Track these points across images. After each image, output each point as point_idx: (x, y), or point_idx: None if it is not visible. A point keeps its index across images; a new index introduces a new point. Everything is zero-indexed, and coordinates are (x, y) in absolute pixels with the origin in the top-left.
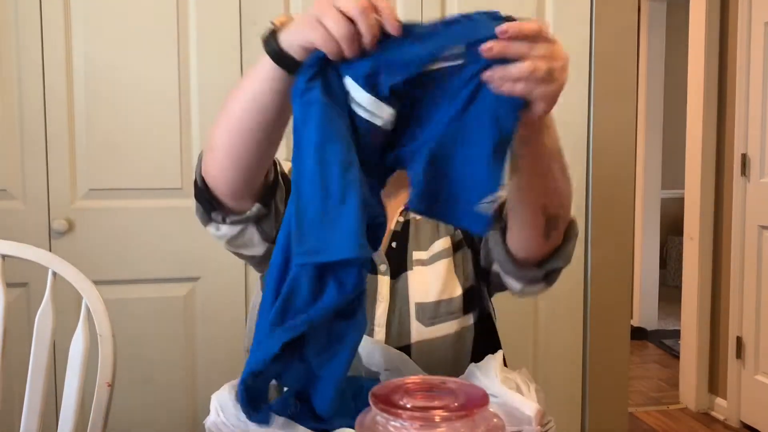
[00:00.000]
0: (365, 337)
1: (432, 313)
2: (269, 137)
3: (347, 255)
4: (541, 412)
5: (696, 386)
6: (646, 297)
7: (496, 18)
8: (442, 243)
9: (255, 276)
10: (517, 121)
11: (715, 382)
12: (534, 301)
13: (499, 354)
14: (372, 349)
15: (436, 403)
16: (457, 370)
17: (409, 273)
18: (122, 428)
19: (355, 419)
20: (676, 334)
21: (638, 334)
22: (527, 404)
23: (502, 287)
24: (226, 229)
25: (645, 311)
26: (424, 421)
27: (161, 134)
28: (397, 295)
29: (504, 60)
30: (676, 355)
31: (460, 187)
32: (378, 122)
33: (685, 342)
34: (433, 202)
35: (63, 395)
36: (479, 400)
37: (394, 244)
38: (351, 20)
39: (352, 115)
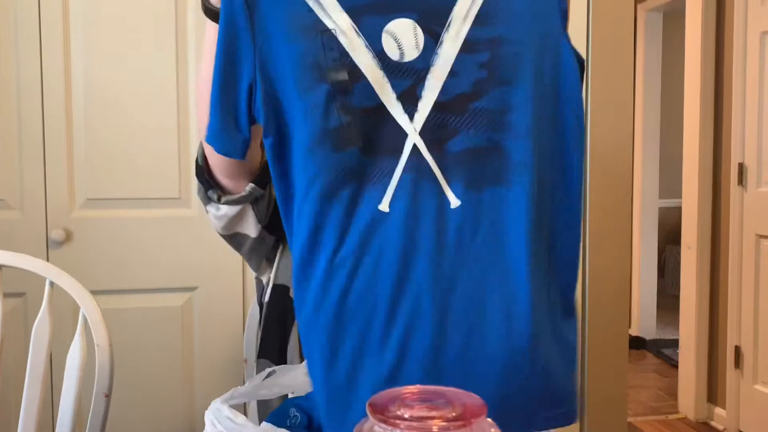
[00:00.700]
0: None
1: None
2: None
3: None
4: None
5: (695, 396)
6: (644, 306)
7: None
8: None
9: (253, 285)
10: None
11: (714, 392)
12: None
13: None
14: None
15: (433, 414)
16: None
17: None
18: None
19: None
20: (674, 344)
21: (637, 343)
22: None
23: None
24: (226, 209)
25: (643, 320)
26: (422, 431)
27: (159, 144)
28: None
29: None
30: (674, 365)
31: None
32: None
33: (684, 351)
34: None
35: (60, 405)
36: (477, 409)
37: None
38: None
39: None
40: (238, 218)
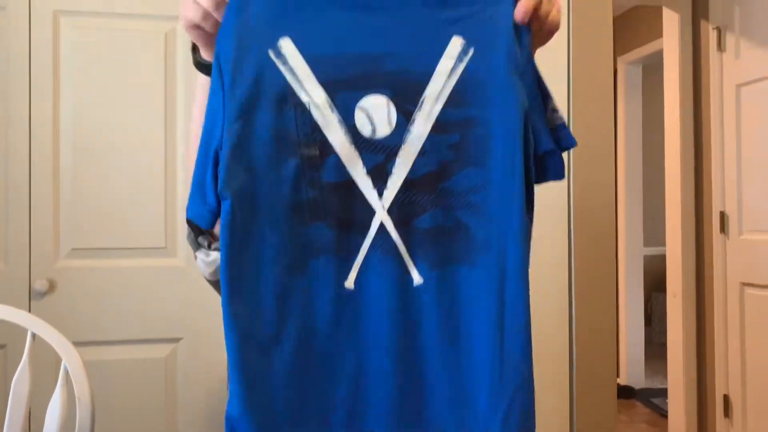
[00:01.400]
0: None
1: None
2: None
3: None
4: None
5: None
6: (632, 355)
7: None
8: None
9: None
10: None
11: None
12: None
13: None
14: None
15: None
16: None
17: None
18: None
19: None
20: (664, 393)
21: (626, 392)
22: None
23: None
24: (216, 255)
25: (632, 369)
26: None
27: (146, 194)
28: None
29: None
30: (664, 414)
31: None
32: None
33: (673, 401)
34: None
35: None
36: None
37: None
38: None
39: None
40: None
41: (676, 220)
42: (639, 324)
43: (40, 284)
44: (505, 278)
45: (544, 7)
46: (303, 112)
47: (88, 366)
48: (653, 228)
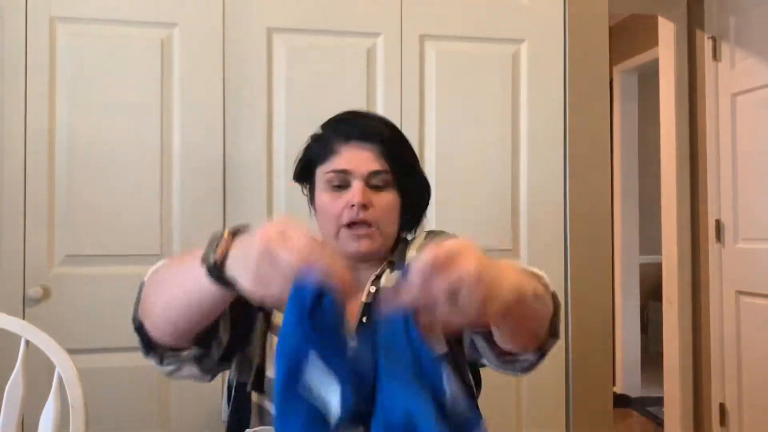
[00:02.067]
0: None
1: None
2: (208, 317)
3: None
4: None
5: None
6: (628, 363)
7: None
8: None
9: None
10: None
11: None
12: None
13: None
14: None
15: None
16: None
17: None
18: None
19: None
20: (660, 401)
21: (622, 401)
22: None
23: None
24: (166, 365)
25: (628, 378)
26: None
27: (141, 200)
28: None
29: None
30: (660, 423)
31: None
32: None
33: (669, 409)
34: None
35: None
36: None
37: (365, 319)
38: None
39: None
40: (179, 374)
41: (671, 229)
42: (635, 332)
43: (34, 291)
44: None
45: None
46: None
47: (82, 373)
48: (649, 236)
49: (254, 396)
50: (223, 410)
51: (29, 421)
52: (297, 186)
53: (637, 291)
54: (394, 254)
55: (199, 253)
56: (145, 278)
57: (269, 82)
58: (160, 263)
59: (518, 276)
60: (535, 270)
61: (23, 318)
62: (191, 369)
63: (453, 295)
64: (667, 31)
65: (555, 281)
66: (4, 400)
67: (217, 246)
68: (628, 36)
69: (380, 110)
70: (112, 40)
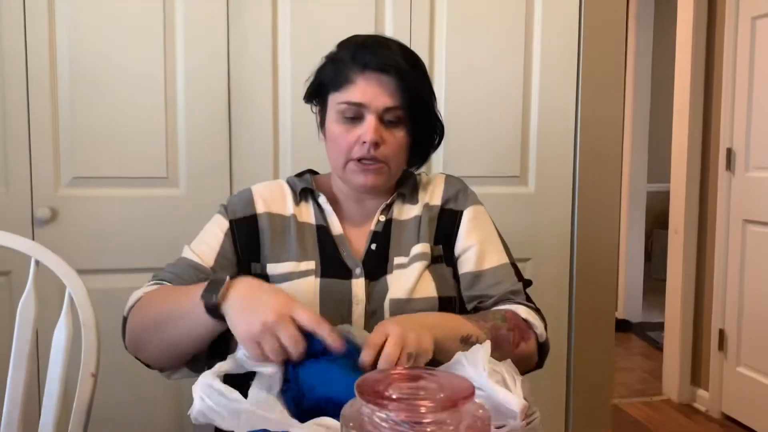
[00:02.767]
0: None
1: (405, 309)
2: (206, 344)
3: None
4: (526, 407)
5: (679, 378)
6: (630, 290)
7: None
8: (421, 247)
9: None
10: None
11: (697, 374)
12: None
13: (487, 344)
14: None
15: (421, 395)
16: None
17: (389, 276)
18: (106, 418)
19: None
20: (660, 327)
21: (623, 326)
22: (513, 399)
23: None
24: (165, 374)
25: (630, 304)
26: (410, 412)
27: (146, 123)
28: (375, 297)
29: None
30: (659, 348)
31: None
32: None
33: (669, 334)
34: None
35: (46, 385)
36: (465, 392)
37: (373, 246)
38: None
39: None
40: (176, 373)
41: (681, 156)
42: (639, 259)
43: (42, 212)
44: None
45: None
46: None
47: (92, 293)
48: (657, 164)
49: None
50: None
51: (42, 339)
52: (302, 108)
53: (642, 218)
54: (404, 186)
55: (182, 293)
56: (126, 313)
57: (274, 2)
58: (135, 298)
59: (455, 321)
60: (532, 320)
61: (32, 239)
62: (184, 371)
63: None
64: None
65: (562, 208)
66: (17, 318)
67: (218, 289)
68: None
69: (389, 31)
70: None
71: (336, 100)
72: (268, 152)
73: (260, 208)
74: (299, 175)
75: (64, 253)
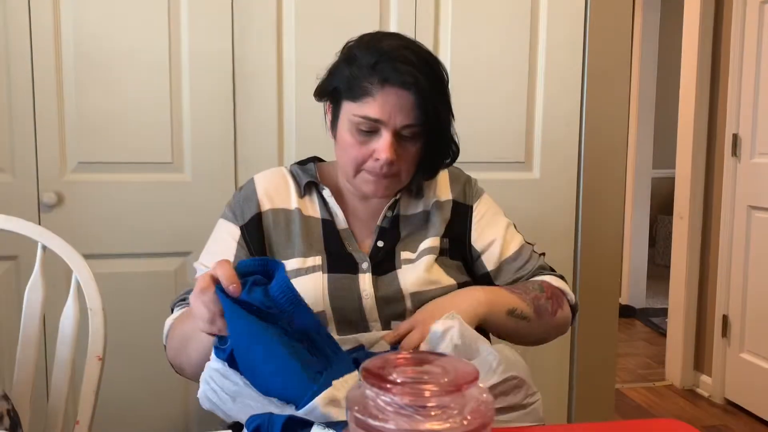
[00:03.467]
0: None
1: (425, 300)
2: None
3: None
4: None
5: (682, 364)
6: (634, 275)
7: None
8: (431, 242)
9: None
10: None
11: (700, 360)
12: None
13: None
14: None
15: (426, 379)
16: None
17: (398, 271)
18: (113, 401)
19: None
20: (663, 313)
21: (626, 312)
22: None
23: None
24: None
25: (633, 289)
26: (414, 396)
27: (151, 108)
28: (388, 290)
29: None
30: (663, 333)
31: None
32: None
33: (672, 320)
34: None
35: (53, 368)
36: (469, 376)
37: (380, 243)
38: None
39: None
40: None
41: (687, 142)
42: (643, 245)
43: (48, 197)
44: None
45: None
46: None
47: (98, 278)
48: (662, 150)
49: None
50: None
51: (49, 323)
52: (307, 93)
53: (647, 204)
54: (411, 182)
55: (190, 320)
56: (164, 341)
57: None
58: (167, 327)
59: (501, 294)
60: (557, 284)
61: (39, 223)
62: None
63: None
64: None
65: (567, 194)
66: (25, 303)
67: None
68: None
69: (393, 14)
70: None
71: (351, 111)
72: (272, 137)
73: (265, 206)
74: (303, 163)
75: (71, 238)
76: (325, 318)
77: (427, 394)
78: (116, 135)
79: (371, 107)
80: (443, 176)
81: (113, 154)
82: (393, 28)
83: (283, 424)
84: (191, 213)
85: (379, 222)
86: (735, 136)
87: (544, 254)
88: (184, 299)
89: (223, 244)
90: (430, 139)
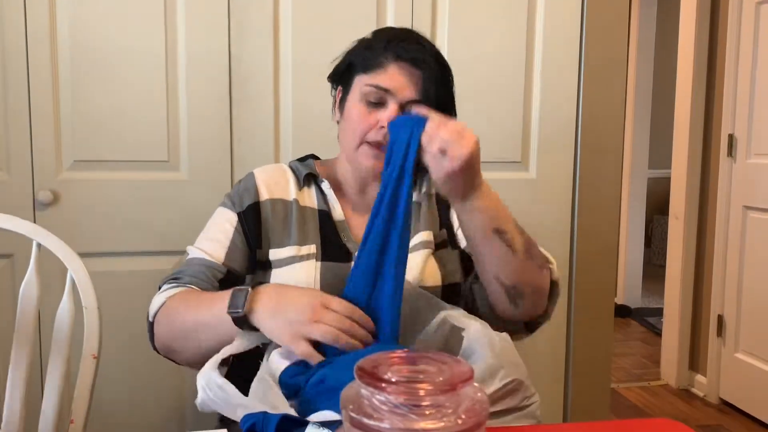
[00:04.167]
0: None
1: (412, 294)
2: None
3: None
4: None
5: (677, 363)
6: (630, 275)
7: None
8: (424, 235)
9: None
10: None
11: (695, 360)
12: None
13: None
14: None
15: (421, 378)
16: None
17: None
18: (108, 400)
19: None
20: (659, 312)
21: (622, 311)
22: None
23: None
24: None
25: (629, 289)
26: (409, 395)
27: (147, 106)
28: None
29: None
30: (658, 333)
31: None
32: None
33: (668, 320)
34: None
35: (48, 367)
36: (464, 375)
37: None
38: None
39: None
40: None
41: (683, 142)
42: (639, 245)
43: (43, 195)
44: None
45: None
46: None
47: (94, 276)
48: (658, 150)
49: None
50: None
51: (45, 321)
52: (303, 91)
53: (643, 204)
54: None
55: (206, 305)
56: (151, 318)
57: None
58: (158, 303)
59: (505, 210)
60: (546, 253)
61: (34, 221)
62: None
63: (445, 147)
64: None
65: (563, 193)
66: (20, 300)
67: (243, 302)
68: None
69: (390, 13)
70: None
71: (363, 81)
72: (269, 135)
73: (263, 195)
74: (301, 159)
75: (66, 236)
76: None
77: (421, 393)
78: (112, 133)
79: (383, 77)
80: None
81: (109, 152)
82: None
83: (278, 423)
84: (187, 211)
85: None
86: (731, 137)
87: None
88: (177, 278)
89: (218, 230)
90: None
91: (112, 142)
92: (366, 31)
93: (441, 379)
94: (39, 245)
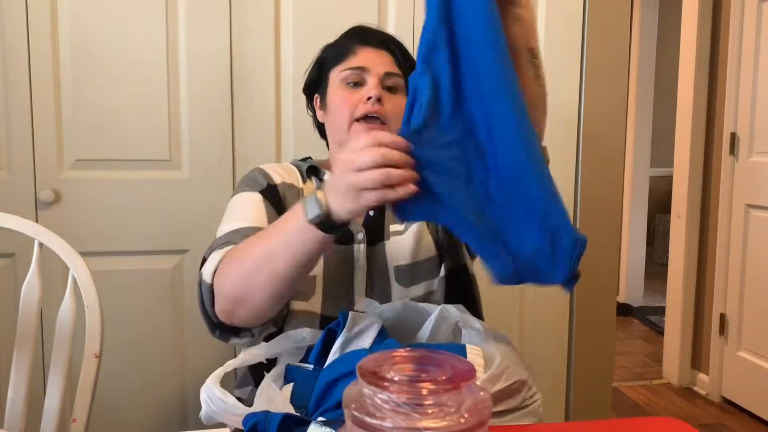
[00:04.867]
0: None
1: (410, 274)
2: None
3: None
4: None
5: (679, 362)
6: (632, 274)
7: None
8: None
9: None
10: None
11: (697, 358)
12: None
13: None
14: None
15: (423, 376)
16: None
17: (386, 242)
18: (110, 398)
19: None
20: (661, 311)
21: (624, 310)
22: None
23: None
24: (234, 339)
25: (631, 288)
26: (412, 394)
27: (149, 105)
28: (376, 262)
29: None
30: (660, 332)
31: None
32: None
33: (670, 318)
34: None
35: (50, 366)
36: (466, 374)
37: (372, 212)
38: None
39: None
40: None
41: (685, 140)
42: (641, 244)
43: (45, 195)
44: None
45: None
46: None
47: (95, 276)
48: (660, 149)
49: None
50: None
51: (47, 321)
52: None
53: (645, 203)
54: None
55: (273, 231)
56: (207, 279)
57: None
58: (215, 262)
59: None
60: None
61: (36, 221)
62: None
63: None
64: None
65: (565, 192)
66: (21, 299)
67: (316, 203)
68: None
69: (392, 22)
70: None
71: (338, 71)
72: (270, 134)
73: (277, 179)
74: (301, 160)
75: (68, 236)
76: (314, 284)
77: (424, 392)
78: (114, 132)
79: (355, 60)
80: None
81: (110, 152)
82: (391, 27)
83: (280, 422)
84: (189, 210)
85: None
86: (733, 135)
87: None
88: (222, 245)
89: (248, 205)
90: None
91: (113, 141)
92: None
93: (443, 377)
94: (41, 244)
